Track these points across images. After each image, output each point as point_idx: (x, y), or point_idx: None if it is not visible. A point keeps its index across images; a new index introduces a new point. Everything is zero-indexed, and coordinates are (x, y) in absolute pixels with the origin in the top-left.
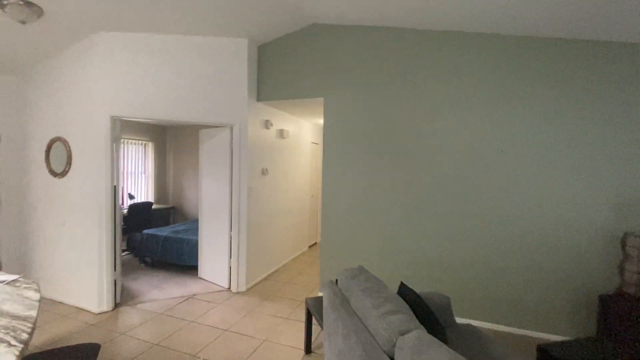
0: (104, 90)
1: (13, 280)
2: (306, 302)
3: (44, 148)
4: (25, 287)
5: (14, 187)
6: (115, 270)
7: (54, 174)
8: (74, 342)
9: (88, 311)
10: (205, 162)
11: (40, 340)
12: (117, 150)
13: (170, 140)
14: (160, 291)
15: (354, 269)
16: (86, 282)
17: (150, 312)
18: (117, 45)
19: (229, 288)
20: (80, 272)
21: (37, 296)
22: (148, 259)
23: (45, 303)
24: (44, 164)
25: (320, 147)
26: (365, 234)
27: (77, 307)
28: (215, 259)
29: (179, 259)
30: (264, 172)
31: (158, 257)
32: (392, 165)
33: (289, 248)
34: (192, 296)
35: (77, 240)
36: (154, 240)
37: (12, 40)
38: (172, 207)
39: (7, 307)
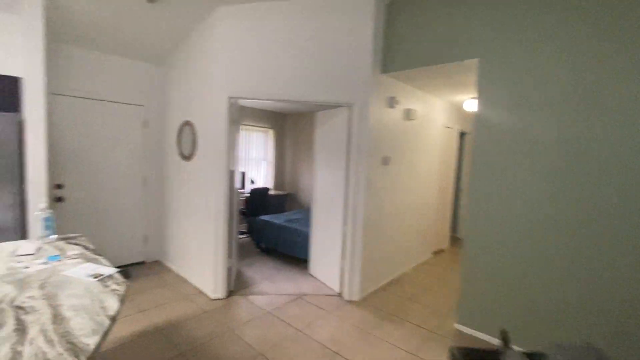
0: (221, 71)
1: (108, 276)
2: (452, 354)
3: (176, 132)
4: (112, 289)
5: (156, 168)
6: (230, 257)
7: (183, 157)
8: (185, 329)
9: (206, 295)
10: (320, 148)
11: (157, 321)
12: (235, 134)
13: (289, 127)
14: (271, 283)
15: (578, 349)
16: (204, 266)
17: (259, 308)
18: (233, 21)
19: (341, 294)
20: (200, 255)
21: (115, 306)
22: (263, 245)
23: (176, 280)
24: (176, 148)
25: (453, 132)
26: (545, 259)
27: (198, 289)
28: (327, 257)
29: (292, 250)
30: (386, 161)
31: (272, 245)
32: (608, 164)
33: (411, 254)
34: (302, 296)
35: (197, 224)
36: (269, 227)
37: (149, 26)
38: (288, 194)
39: (77, 322)
